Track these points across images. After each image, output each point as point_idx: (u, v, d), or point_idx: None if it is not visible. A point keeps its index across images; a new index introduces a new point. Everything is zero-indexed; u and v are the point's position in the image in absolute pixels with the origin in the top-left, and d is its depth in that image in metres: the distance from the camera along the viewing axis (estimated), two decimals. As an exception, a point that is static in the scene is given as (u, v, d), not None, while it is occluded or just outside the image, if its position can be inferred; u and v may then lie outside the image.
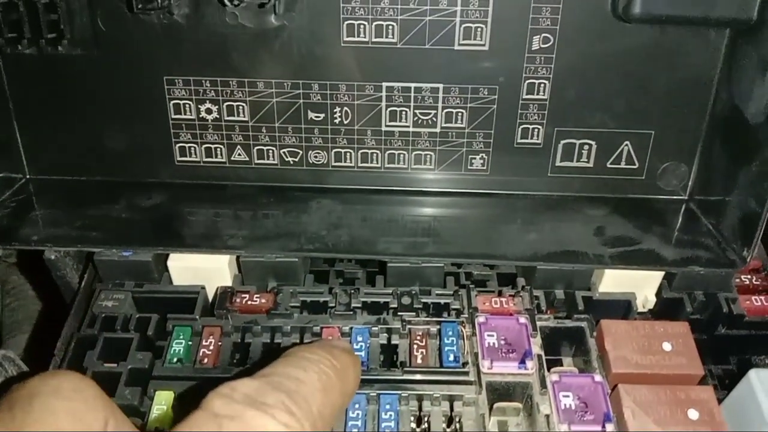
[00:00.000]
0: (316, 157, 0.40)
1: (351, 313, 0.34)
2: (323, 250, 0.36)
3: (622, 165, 0.39)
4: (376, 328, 0.34)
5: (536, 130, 0.39)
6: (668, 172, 0.39)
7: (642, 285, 0.36)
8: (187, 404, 0.29)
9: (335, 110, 0.38)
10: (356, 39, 0.36)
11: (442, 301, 0.35)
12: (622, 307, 0.36)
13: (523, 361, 0.32)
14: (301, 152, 0.40)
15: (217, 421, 0.22)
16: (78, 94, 0.38)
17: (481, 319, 0.33)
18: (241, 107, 0.38)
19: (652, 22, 0.35)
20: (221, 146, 0.40)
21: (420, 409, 0.31)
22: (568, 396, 0.31)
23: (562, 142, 0.39)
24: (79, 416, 0.23)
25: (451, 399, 0.31)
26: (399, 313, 0.34)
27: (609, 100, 0.38)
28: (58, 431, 0.22)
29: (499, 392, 0.31)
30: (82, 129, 0.39)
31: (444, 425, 0.30)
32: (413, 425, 0.30)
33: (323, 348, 0.27)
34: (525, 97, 0.38)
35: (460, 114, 0.38)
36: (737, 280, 0.37)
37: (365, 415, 0.30)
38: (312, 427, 0.23)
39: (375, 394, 0.31)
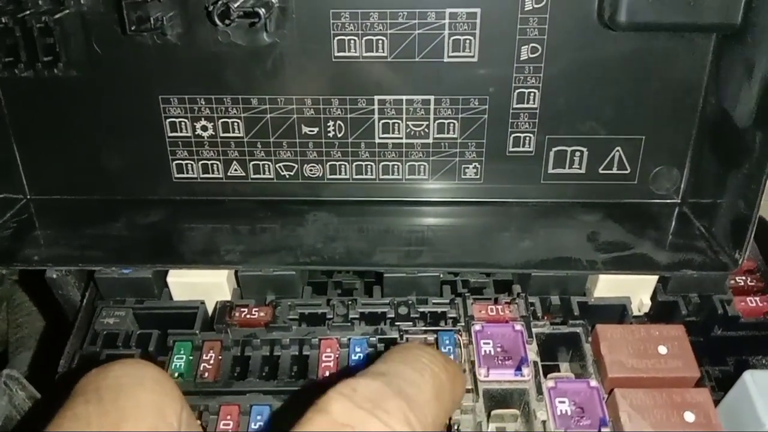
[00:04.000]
0: (311, 170, 0.40)
1: (349, 324, 0.35)
2: (320, 262, 0.36)
3: (614, 170, 0.40)
4: (374, 339, 0.34)
5: (528, 138, 0.39)
6: (660, 176, 0.40)
7: (637, 289, 0.36)
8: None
9: (329, 124, 0.39)
10: (347, 54, 0.36)
11: (439, 310, 0.35)
12: (617, 312, 0.36)
13: (519, 368, 0.32)
14: (296, 166, 0.40)
15: (335, 428, 0.22)
16: (75, 115, 0.39)
17: (477, 327, 0.34)
18: (236, 124, 0.39)
19: (638, 29, 0.35)
20: (217, 162, 0.40)
21: (418, 418, 0.31)
22: (564, 402, 0.31)
23: (554, 149, 0.39)
24: (163, 410, 0.23)
25: (449, 407, 0.31)
26: (396, 323, 0.35)
27: (599, 107, 0.38)
28: (146, 430, 0.22)
29: (496, 399, 0.32)
30: (80, 149, 0.40)
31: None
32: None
33: (432, 350, 0.26)
34: (516, 106, 0.38)
35: (451, 124, 0.39)
36: (732, 282, 0.37)
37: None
38: None
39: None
